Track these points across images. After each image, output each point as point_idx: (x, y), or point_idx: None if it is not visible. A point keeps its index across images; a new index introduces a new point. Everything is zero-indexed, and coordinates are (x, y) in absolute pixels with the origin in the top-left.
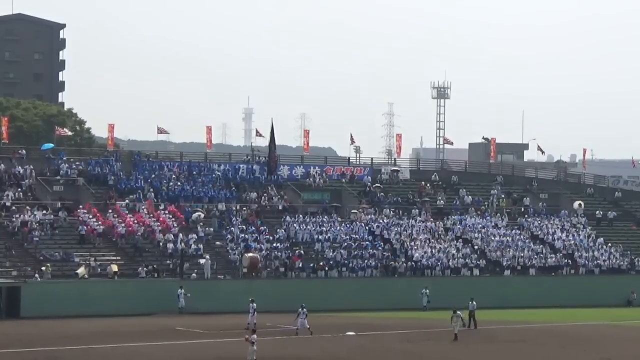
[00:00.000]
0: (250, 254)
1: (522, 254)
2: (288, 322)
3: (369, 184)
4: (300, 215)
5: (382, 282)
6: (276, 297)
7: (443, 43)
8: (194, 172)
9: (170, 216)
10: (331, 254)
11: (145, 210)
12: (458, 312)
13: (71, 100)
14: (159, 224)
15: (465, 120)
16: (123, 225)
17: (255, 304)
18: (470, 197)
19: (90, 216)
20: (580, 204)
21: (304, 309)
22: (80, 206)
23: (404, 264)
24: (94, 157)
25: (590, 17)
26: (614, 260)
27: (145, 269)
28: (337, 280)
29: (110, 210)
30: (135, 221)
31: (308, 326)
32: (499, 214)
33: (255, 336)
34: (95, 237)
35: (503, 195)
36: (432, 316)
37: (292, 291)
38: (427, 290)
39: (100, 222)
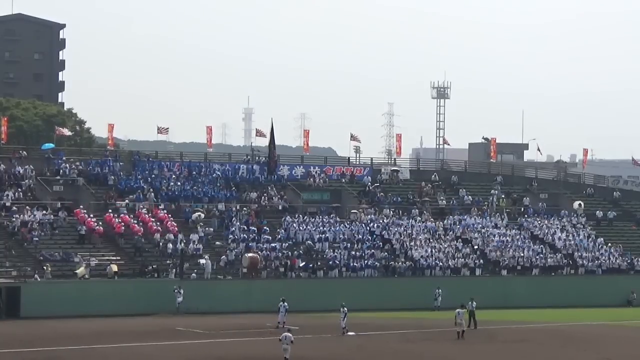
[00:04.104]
0: (250, 254)
1: (522, 254)
2: (288, 322)
3: (369, 184)
4: (300, 215)
5: (382, 282)
6: (276, 297)
7: (443, 43)
8: (194, 172)
9: (170, 216)
10: (331, 254)
11: (145, 210)
12: (460, 310)
13: (71, 100)
14: (158, 223)
15: (465, 120)
16: (123, 225)
17: (286, 303)
18: (470, 197)
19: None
20: (580, 204)
21: (345, 308)
22: (81, 206)
23: (404, 264)
24: (94, 157)
25: (590, 16)
26: (614, 260)
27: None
28: (337, 280)
29: (110, 210)
30: (135, 221)
31: (344, 326)
32: (498, 214)
33: (289, 334)
34: (96, 237)
35: (503, 195)
36: (433, 316)
37: (292, 291)
38: (440, 290)
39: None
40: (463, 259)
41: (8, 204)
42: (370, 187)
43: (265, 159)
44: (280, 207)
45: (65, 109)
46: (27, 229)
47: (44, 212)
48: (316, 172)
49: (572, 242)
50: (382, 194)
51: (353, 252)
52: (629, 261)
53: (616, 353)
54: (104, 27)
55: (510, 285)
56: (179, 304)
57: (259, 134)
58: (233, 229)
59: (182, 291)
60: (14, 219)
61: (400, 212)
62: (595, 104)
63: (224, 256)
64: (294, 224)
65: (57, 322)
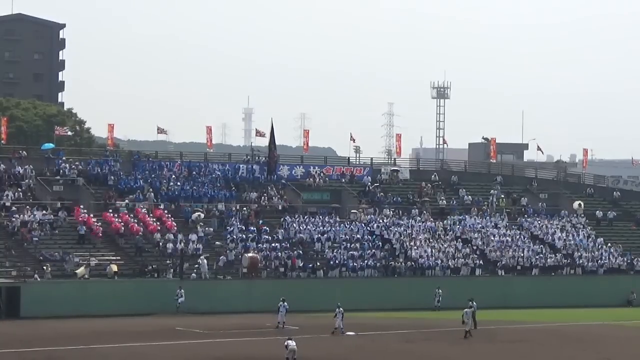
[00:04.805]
0: (250, 254)
1: (522, 254)
2: (288, 322)
3: (369, 184)
4: (300, 215)
5: (382, 282)
6: (276, 297)
7: (443, 43)
8: (194, 172)
9: (170, 216)
10: (331, 254)
11: (144, 210)
12: (468, 310)
13: (71, 100)
14: (159, 223)
15: (465, 120)
16: (122, 224)
17: (286, 303)
18: (470, 197)
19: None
20: (580, 204)
21: (340, 308)
22: (81, 206)
23: (404, 264)
24: (94, 157)
25: (590, 17)
26: (614, 260)
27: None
28: (337, 280)
29: (110, 210)
30: (135, 221)
31: (342, 326)
32: (498, 214)
33: (292, 342)
34: (95, 237)
35: (503, 195)
36: (433, 316)
37: (292, 291)
38: (440, 290)
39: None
40: (463, 259)
41: (8, 204)
42: (370, 187)
43: (265, 159)
44: (280, 207)
45: (65, 109)
46: (27, 229)
47: (44, 212)
48: (316, 172)
49: (572, 242)
50: (382, 194)
51: (353, 252)
52: (629, 261)
53: (616, 353)
54: (104, 27)
55: (510, 285)
56: (179, 304)
57: (259, 134)
58: (233, 229)
59: (183, 292)
60: (14, 219)
61: (400, 212)
62: (595, 104)
63: (222, 256)
64: (294, 224)
65: (57, 322)
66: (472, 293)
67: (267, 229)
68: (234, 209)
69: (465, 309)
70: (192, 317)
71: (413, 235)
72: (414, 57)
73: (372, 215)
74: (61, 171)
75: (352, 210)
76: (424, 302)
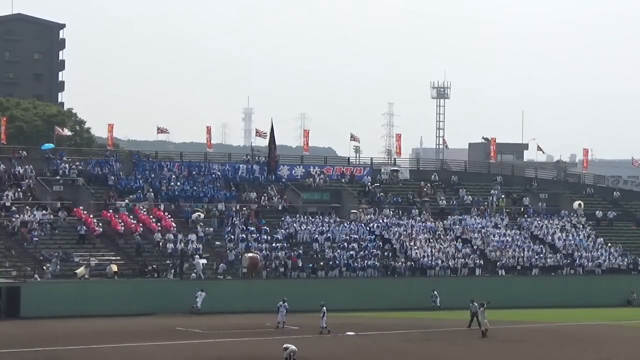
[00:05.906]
0: (250, 254)
1: (522, 254)
2: (288, 322)
3: (369, 184)
4: (300, 215)
5: (382, 282)
6: (276, 297)
7: (443, 43)
8: (194, 172)
9: (170, 216)
10: (331, 254)
11: (144, 210)
12: (480, 309)
13: (71, 100)
14: (159, 223)
15: (465, 120)
16: (122, 224)
17: (287, 303)
18: (470, 197)
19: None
20: (580, 204)
21: (324, 308)
22: (81, 206)
23: (404, 264)
24: (94, 157)
25: (590, 17)
26: (614, 260)
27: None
28: (337, 280)
29: (110, 210)
30: (135, 221)
31: (325, 325)
32: (498, 214)
33: (292, 346)
34: (95, 237)
35: (503, 195)
36: (433, 316)
37: (292, 291)
38: (436, 292)
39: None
40: (463, 259)
41: (8, 204)
42: (370, 187)
43: (265, 159)
44: (280, 207)
45: (65, 109)
46: (27, 229)
47: (44, 212)
48: (316, 172)
49: (572, 242)
50: (382, 194)
51: (353, 252)
52: (631, 261)
53: (616, 353)
54: (104, 27)
55: (510, 285)
56: (195, 306)
57: (259, 134)
58: (233, 229)
59: (203, 294)
60: (14, 219)
61: (400, 212)
62: (595, 104)
63: (222, 264)
64: (294, 224)
65: (57, 322)
66: (472, 293)
67: (267, 229)
68: (234, 209)
69: (480, 309)
70: (192, 317)
71: (413, 235)
72: (414, 57)
73: (372, 215)
74: (61, 171)
75: (352, 210)
76: (423, 302)
